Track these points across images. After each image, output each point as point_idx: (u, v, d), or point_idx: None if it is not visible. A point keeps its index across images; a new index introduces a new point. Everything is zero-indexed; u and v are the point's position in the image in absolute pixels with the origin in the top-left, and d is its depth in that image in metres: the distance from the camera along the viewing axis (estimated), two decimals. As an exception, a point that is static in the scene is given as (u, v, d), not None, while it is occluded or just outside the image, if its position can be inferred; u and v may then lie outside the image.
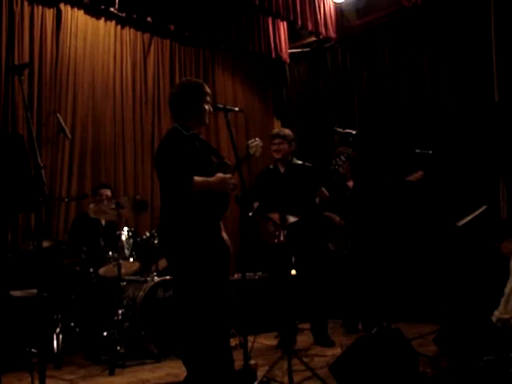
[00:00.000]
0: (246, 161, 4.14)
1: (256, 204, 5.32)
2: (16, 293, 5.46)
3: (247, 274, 6.67)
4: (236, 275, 6.72)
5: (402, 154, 6.57)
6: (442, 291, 6.44)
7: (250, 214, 3.93)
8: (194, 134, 4.02)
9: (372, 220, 5.88)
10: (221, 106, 4.04)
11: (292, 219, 5.36)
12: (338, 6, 7.98)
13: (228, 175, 3.88)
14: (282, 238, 5.18)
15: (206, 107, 4.03)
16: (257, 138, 4.10)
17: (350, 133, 5.23)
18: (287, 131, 5.81)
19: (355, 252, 6.12)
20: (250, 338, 4.27)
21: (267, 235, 5.48)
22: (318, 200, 5.60)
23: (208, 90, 4.09)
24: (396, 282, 6.39)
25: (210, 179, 3.84)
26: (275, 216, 5.32)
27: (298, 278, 5.58)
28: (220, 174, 3.87)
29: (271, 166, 5.80)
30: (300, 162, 5.77)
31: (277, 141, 5.68)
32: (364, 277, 6.18)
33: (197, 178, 3.75)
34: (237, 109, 4.13)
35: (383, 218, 5.28)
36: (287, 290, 5.33)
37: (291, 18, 7.17)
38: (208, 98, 4.05)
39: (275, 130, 5.88)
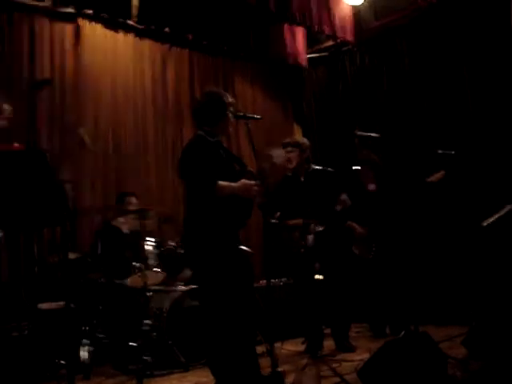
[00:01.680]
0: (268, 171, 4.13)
1: (278, 214, 5.31)
2: (44, 305, 5.52)
3: (272, 280, 6.66)
4: (261, 282, 6.72)
5: (423, 155, 6.52)
6: (469, 292, 6.37)
7: (274, 220, 3.94)
8: (219, 141, 4.04)
9: (396, 222, 5.84)
10: (241, 113, 4.07)
11: (318, 228, 5.36)
12: (354, 9, 7.95)
13: (252, 181, 3.89)
14: (309, 243, 5.16)
15: (230, 117, 4.06)
16: (280, 149, 4.12)
17: (371, 136, 5.21)
18: (298, 139, 5.77)
19: (380, 255, 6.09)
20: (277, 345, 4.27)
21: (292, 243, 5.46)
22: (338, 207, 5.57)
23: (231, 99, 4.12)
24: (422, 285, 6.34)
25: (234, 184, 3.84)
26: (300, 223, 5.30)
27: (323, 284, 5.56)
28: (244, 180, 3.87)
29: (289, 174, 5.75)
30: (319, 167, 5.74)
31: (288, 149, 5.61)
32: (390, 280, 6.13)
33: (221, 183, 3.76)
34: (257, 116, 4.14)
35: (407, 220, 5.25)
36: (313, 296, 5.31)
37: (308, 22, 7.17)
38: (231, 108, 4.08)
39: (285, 140, 5.80)
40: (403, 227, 5.57)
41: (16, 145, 4.35)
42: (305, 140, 5.82)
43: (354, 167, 4.84)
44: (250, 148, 3.89)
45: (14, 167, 2.99)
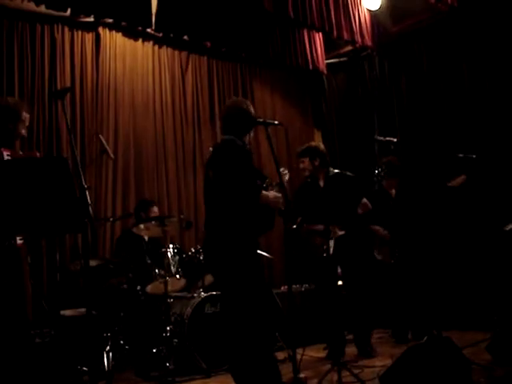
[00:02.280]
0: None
1: (299, 219, 5.30)
2: (66, 312, 5.56)
3: (293, 286, 6.66)
4: (282, 287, 6.71)
5: (444, 159, 6.48)
6: (492, 297, 6.30)
7: (294, 226, 3.94)
8: (250, 150, 4.09)
9: (417, 227, 5.80)
10: (261, 120, 4.09)
11: (339, 232, 5.34)
12: (373, 14, 7.93)
13: (279, 194, 3.93)
14: (330, 251, 5.15)
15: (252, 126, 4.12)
16: (283, 168, 4.14)
17: (391, 141, 5.19)
18: (309, 146, 5.73)
19: (402, 260, 6.04)
20: (299, 351, 4.25)
21: (314, 248, 5.44)
22: (360, 211, 5.55)
23: (252, 109, 4.18)
24: (445, 290, 6.28)
25: (270, 194, 3.92)
26: (321, 228, 5.28)
27: (345, 289, 5.53)
28: (274, 192, 3.94)
29: (308, 180, 5.74)
30: (337, 171, 5.71)
31: (300, 159, 5.65)
32: (412, 285, 6.08)
33: (262, 191, 3.87)
34: (276, 122, 4.16)
35: (428, 225, 5.20)
36: (334, 302, 5.29)
37: (326, 28, 7.14)
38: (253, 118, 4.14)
39: (297, 150, 5.79)
40: (425, 232, 5.52)
41: (37, 153, 4.40)
42: (317, 145, 5.78)
43: (377, 171, 4.80)
44: (270, 154, 3.90)
45: (36, 174, 3.02)
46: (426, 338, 4.35)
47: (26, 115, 4.08)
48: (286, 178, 4.13)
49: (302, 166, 5.65)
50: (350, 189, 5.50)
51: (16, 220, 2.98)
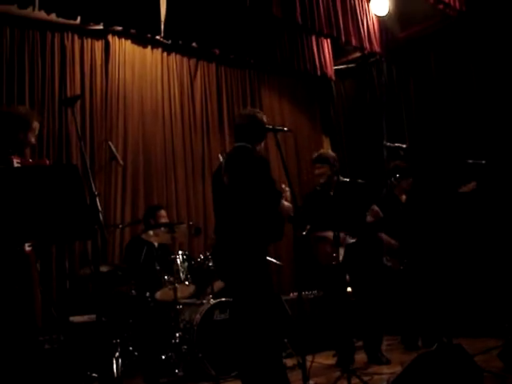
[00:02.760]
0: None
1: (308, 227, 5.30)
2: (75, 318, 5.57)
3: (303, 292, 6.64)
4: (291, 294, 6.70)
5: (454, 165, 6.46)
6: (504, 304, 6.26)
7: (304, 233, 3.94)
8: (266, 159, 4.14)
9: (427, 233, 5.78)
10: (270, 126, 4.09)
11: (350, 240, 5.33)
12: (381, 20, 7.92)
13: (290, 204, 4.00)
14: (340, 258, 5.13)
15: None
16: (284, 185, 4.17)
17: (401, 146, 5.17)
18: (326, 153, 5.71)
19: (412, 267, 6.02)
20: (308, 358, 4.24)
21: (323, 256, 5.43)
22: (369, 218, 5.53)
23: (264, 118, 4.23)
24: (456, 296, 6.25)
25: (284, 203, 3.98)
26: (331, 235, 5.26)
27: (354, 296, 5.52)
28: (286, 202, 3.99)
29: (318, 188, 5.70)
30: (347, 180, 5.68)
31: (317, 165, 5.60)
32: (422, 292, 6.06)
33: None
34: (286, 129, 4.17)
35: (438, 231, 5.18)
36: (343, 309, 5.27)
37: (335, 34, 7.13)
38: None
39: (314, 155, 5.74)
40: (435, 238, 5.50)
41: (47, 161, 4.42)
42: (332, 153, 5.77)
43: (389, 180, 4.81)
44: (278, 160, 3.92)
45: (47, 181, 3.03)
46: (436, 345, 4.33)
47: (36, 124, 4.10)
48: (287, 194, 4.14)
49: (318, 171, 5.59)
50: (359, 196, 5.49)
51: (26, 227, 2.99)
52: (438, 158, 7.24)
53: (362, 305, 5.58)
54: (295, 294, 6.66)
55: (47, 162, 4.39)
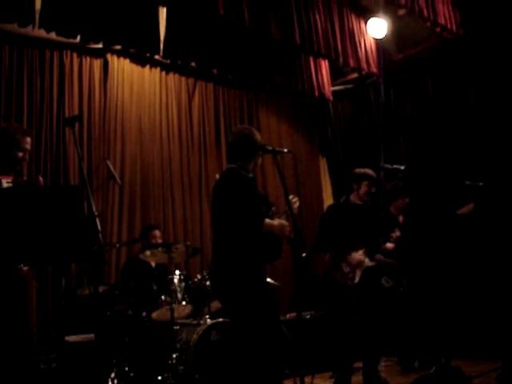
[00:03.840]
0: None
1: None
2: (71, 338, 5.52)
3: (295, 314, 6.60)
4: (288, 315, 6.67)
5: (452, 186, 6.47)
6: (503, 326, 6.24)
7: (304, 254, 3.92)
8: (254, 178, 4.10)
9: (425, 254, 5.76)
10: (270, 148, 4.09)
11: (368, 263, 5.31)
12: (378, 42, 7.98)
13: (285, 222, 3.95)
14: (356, 280, 5.11)
15: (259, 153, 4.13)
16: (292, 196, 4.13)
17: (399, 168, 5.18)
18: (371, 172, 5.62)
19: (410, 287, 5.99)
20: (307, 379, 4.20)
21: (340, 274, 5.36)
22: (390, 246, 5.52)
23: (258, 137, 4.19)
24: (454, 317, 6.22)
25: (274, 222, 3.92)
26: (353, 257, 5.22)
27: (359, 316, 5.45)
28: (279, 220, 3.95)
29: (341, 201, 5.66)
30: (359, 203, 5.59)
31: (369, 183, 5.50)
32: (420, 312, 6.03)
33: (266, 220, 3.86)
34: (286, 150, 4.17)
35: (437, 252, 5.18)
36: (348, 329, 5.22)
37: (333, 55, 7.18)
38: (259, 145, 4.14)
39: (370, 172, 5.60)
40: (434, 259, 5.49)
41: (40, 178, 4.37)
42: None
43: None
44: (275, 181, 3.92)
45: (48, 201, 3.02)
46: (434, 368, 4.31)
47: (22, 138, 4.05)
48: (296, 205, 4.11)
49: (368, 189, 5.51)
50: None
51: (25, 247, 2.97)
52: (436, 180, 7.26)
53: (366, 326, 5.49)
54: (292, 314, 6.64)
55: (40, 179, 4.32)
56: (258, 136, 4.16)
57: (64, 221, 2.98)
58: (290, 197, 4.05)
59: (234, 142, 4.15)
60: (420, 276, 5.97)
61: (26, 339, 3.81)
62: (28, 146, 4.13)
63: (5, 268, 3.62)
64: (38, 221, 2.96)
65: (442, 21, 6.91)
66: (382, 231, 5.52)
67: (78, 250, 3.02)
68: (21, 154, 4.04)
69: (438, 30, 7.03)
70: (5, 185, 3.86)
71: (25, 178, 4.25)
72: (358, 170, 5.66)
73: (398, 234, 5.55)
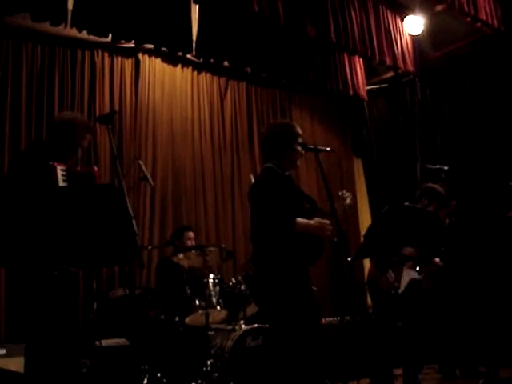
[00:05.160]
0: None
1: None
2: (104, 342, 5.41)
3: (333, 318, 6.42)
4: (324, 320, 6.48)
5: (498, 188, 6.23)
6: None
7: (349, 259, 3.73)
8: (290, 176, 3.89)
9: (473, 258, 5.52)
10: (311, 146, 3.91)
11: (415, 276, 5.06)
12: (415, 39, 7.79)
13: (327, 221, 3.70)
14: (400, 290, 4.91)
15: (299, 149, 3.89)
16: (344, 190, 3.92)
17: (442, 168, 4.98)
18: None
19: (453, 291, 5.77)
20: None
21: (385, 281, 5.16)
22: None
23: (300, 131, 3.96)
24: (499, 324, 5.97)
25: (311, 222, 3.66)
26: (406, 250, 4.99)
27: (401, 321, 5.23)
28: (319, 219, 3.68)
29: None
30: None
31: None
32: (463, 319, 5.81)
33: (299, 220, 3.60)
34: (328, 149, 3.98)
35: (485, 256, 4.95)
36: (387, 336, 5.03)
37: (369, 53, 7.01)
38: (300, 140, 3.92)
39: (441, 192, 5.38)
40: (481, 263, 5.26)
41: (95, 167, 4.23)
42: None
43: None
44: (322, 181, 3.72)
45: (84, 202, 2.88)
46: (482, 381, 4.10)
47: (84, 134, 3.93)
48: (348, 201, 3.90)
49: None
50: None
51: (62, 251, 2.84)
52: (481, 181, 7.01)
53: (408, 331, 5.26)
54: (327, 319, 6.46)
55: (95, 168, 4.16)
56: (295, 128, 3.95)
57: (100, 222, 2.83)
58: (342, 192, 3.86)
59: (266, 136, 3.98)
60: (467, 281, 5.74)
61: (74, 336, 3.70)
62: (86, 144, 4.04)
63: (44, 269, 3.49)
64: (74, 223, 2.82)
65: (482, 16, 6.72)
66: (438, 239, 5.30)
67: (116, 252, 2.88)
68: (78, 149, 3.94)
69: (479, 25, 6.85)
70: (59, 172, 3.71)
71: (78, 168, 4.12)
72: (431, 186, 5.43)
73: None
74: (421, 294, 5.24)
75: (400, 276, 4.90)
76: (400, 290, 4.94)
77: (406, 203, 5.01)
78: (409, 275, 5.03)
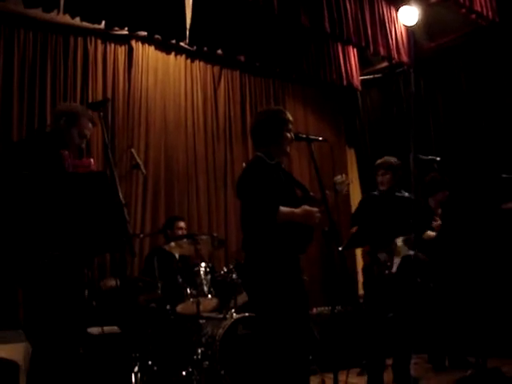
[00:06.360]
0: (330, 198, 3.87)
1: (354, 229, 5.01)
2: (94, 330, 5.40)
3: (324, 308, 6.44)
4: (314, 309, 6.50)
5: (491, 179, 6.24)
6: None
7: (340, 248, 3.72)
8: (278, 163, 3.87)
9: (465, 249, 5.53)
10: (303, 135, 3.90)
11: (407, 252, 5.05)
12: (409, 30, 7.77)
13: (315, 208, 3.68)
14: (394, 269, 4.91)
15: (288, 135, 3.87)
16: (343, 175, 3.89)
17: (434, 159, 4.99)
18: (391, 160, 5.40)
19: (443, 283, 5.80)
20: (340, 378, 4.05)
21: (377, 266, 5.13)
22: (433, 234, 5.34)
23: (290, 117, 3.93)
24: (488, 315, 6.00)
25: (296, 210, 3.64)
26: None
27: (392, 311, 5.23)
28: (306, 206, 3.66)
29: (376, 193, 5.45)
30: (406, 195, 5.39)
31: (380, 172, 5.34)
32: (452, 309, 5.83)
33: (282, 209, 3.58)
34: (321, 138, 3.97)
35: (478, 248, 4.95)
36: (379, 326, 5.03)
37: (363, 43, 6.97)
38: (290, 126, 3.90)
39: (378, 161, 5.46)
40: (474, 255, 5.27)
41: (91, 159, 4.18)
42: (396, 161, 5.45)
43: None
44: (302, 171, 3.71)
45: (75, 189, 2.87)
46: (471, 370, 4.12)
47: (86, 124, 3.88)
48: (346, 188, 3.88)
49: (381, 178, 5.33)
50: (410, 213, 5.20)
51: (52, 238, 2.83)
52: (474, 173, 7.02)
53: (399, 321, 5.26)
54: (318, 308, 6.47)
55: (92, 161, 4.14)
56: (284, 114, 3.92)
57: (91, 210, 2.82)
58: (338, 176, 3.83)
59: (254, 123, 3.96)
60: (456, 271, 5.76)
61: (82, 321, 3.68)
62: (88, 133, 3.97)
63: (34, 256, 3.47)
64: (64, 210, 2.81)
65: (477, 7, 6.69)
66: (421, 223, 5.31)
67: (107, 240, 2.87)
68: (83, 140, 3.90)
69: (474, 16, 6.81)
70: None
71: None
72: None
73: (439, 222, 5.34)
74: (414, 271, 5.25)
75: (392, 256, 4.90)
76: (393, 270, 4.93)
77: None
78: (402, 251, 5.04)
